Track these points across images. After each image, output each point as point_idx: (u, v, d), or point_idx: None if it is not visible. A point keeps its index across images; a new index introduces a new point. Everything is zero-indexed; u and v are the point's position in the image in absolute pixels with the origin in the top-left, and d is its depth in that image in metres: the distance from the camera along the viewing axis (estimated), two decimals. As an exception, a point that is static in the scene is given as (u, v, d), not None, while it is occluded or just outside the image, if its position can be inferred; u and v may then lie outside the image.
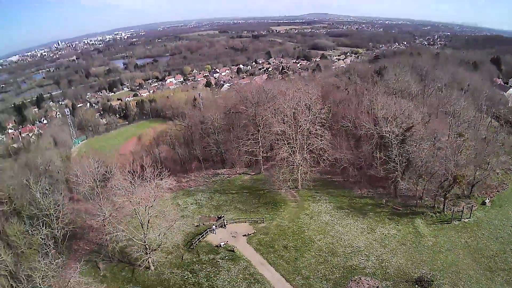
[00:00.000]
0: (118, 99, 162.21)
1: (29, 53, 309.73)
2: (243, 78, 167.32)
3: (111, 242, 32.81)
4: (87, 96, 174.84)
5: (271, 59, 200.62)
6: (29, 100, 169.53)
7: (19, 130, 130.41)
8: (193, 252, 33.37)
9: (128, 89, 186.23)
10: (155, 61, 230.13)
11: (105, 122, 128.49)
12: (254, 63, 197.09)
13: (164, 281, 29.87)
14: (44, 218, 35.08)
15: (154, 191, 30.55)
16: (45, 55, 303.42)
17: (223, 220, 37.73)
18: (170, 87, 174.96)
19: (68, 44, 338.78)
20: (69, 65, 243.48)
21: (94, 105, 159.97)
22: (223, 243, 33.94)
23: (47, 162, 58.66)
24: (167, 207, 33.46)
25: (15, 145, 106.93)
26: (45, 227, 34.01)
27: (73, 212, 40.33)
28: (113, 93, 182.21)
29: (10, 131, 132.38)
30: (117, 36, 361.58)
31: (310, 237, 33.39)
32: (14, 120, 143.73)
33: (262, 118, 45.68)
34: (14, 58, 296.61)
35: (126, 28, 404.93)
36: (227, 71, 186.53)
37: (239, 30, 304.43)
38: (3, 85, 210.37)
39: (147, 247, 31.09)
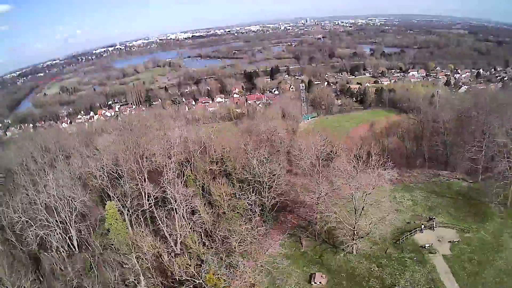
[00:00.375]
0: (358, 83, 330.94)
1: (270, 25, 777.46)
2: (480, 83, 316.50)
3: (320, 221, 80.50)
4: (326, 75, 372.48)
5: (508, 67, 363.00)
6: (262, 70, 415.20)
7: (246, 96, 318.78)
8: (398, 247, 74.60)
9: (369, 75, 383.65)
10: (402, 52, 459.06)
11: (340, 103, 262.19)
12: (493, 69, 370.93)
13: (350, 269, 71.38)
14: (256, 185, 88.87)
15: (375, 179, 70.74)
16: (289, 29, 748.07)
17: (433, 222, 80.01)
18: (412, 80, 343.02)
19: (316, 22, 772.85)
20: (313, 43, 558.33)
21: (332, 84, 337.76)
22: (427, 245, 73.92)
23: (271, 132, 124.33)
24: (383, 198, 72.65)
25: (238, 110, 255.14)
26: (255, 193, 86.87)
27: (288, 184, 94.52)
28: (353, 77, 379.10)
29: (235, 96, 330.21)
30: (370, 21, 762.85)
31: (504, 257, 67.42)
32: (242, 87, 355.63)
33: (489, 127, 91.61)
34: (254, 28, 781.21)
35: (381, 16, 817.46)
36: (467, 73, 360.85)
37: (487, 34, 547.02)
38: (236, 52, 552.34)
39: (355, 233, 73.15)
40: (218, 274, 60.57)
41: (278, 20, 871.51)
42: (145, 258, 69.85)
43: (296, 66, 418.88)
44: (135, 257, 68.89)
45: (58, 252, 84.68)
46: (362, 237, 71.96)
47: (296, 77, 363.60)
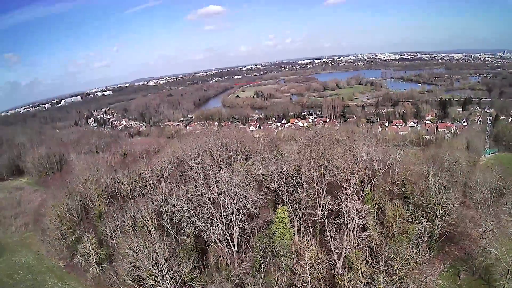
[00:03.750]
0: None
1: (472, 55, 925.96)
2: None
3: (480, 256, 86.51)
4: (511, 112, 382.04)
5: None
6: (456, 99, 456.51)
7: (437, 124, 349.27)
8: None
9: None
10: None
11: None
12: None
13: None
14: (429, 211, 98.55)
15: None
16: (487, 60, 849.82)
17: None
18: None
19: None
20: (506, 77, 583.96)
21: None
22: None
23: (453, 161, 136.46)
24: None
25: (427, 137, 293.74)
26: (427, 220, 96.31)
27: (459, 215, 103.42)
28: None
29: (427, 122, 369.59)
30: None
31: None
32: (435, 114, 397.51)
33: None
34: (457, 56, 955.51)
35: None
36: None
37: None
38: (436, 78, 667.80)
39: (509, 272, 78.37)
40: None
41: (479, 50, 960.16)
42: (317, 268, 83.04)
43: (487, 99, 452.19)
44: (308, 265, 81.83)
45: (222, 247, 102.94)
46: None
47: (485, 110, 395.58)
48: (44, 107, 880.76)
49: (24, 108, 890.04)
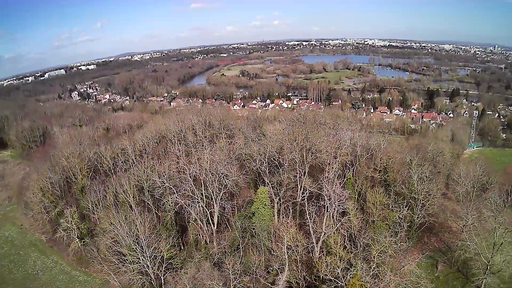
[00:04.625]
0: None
1: (462, 47, 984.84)
2: None
3: (459, 249, 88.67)
4: (498, 107, 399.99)
5: None
6: (444, 90, 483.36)
7: (422, 113, 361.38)
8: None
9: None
10: None
11: (504, 137, 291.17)
12: None
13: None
14: (410, 200, 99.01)
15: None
16: (477, 53, 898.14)
17: None
18: None
19: (503, 51, 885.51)
20: (495, 72, 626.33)
21: (501, 117, 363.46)
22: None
23: (437, 152, 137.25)
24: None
25: (412, 126, 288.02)
26: (407, 209, 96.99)
27: (440, 207, 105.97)
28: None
29: (413, 111, 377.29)
30: None
31: None
32: (422, 103, 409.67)
33: None
34: (447, 47, 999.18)
35: None
36: None
37: None
38: (425, 68, 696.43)
39: (488, 267, 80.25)
40: (362, 281, 70.49)
41: (469, 43, 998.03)
42: (295, 251, 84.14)
43: (475, 92, 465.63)
44: (286, 247, 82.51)
45: (202, 225, 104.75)
46: (493, 273, 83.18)
47: (472, 103, 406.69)
48: (28, 80, 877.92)
49: (8, 81, 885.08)
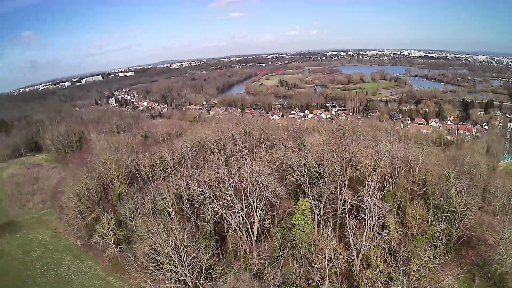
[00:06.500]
0: None
1: (495, 58, 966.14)
2: None
3: (496, 263, 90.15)
4: None
5: None
6: (478, 102, 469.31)
7: (458, 125, 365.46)
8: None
9: None
10: None
11: None
12: None
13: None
14: (448, 214, 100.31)
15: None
16: (510, 64, 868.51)
17: None
18: None
19: None
20: None
21: None
22: None
23: (474, 165, 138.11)
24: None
25: (448, 137, 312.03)
26: (446, 222, 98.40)
27: (477, 220, 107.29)
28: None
29: (449, 122, 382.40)
30: None
31: None
32: (457, 115, 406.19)
33: None
34: (480, 58, 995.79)
35: None
36: None
37: None
38: (460, 78, 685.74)
39: None
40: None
41: (503, 54, 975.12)
42: (336, 263, 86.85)
43: (509, 103, 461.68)
44: (326, 259, 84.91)
45: (242, 235, 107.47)
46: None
47: (506, 115, 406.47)
48: (64, 85, 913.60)
49: (43, 86, 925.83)
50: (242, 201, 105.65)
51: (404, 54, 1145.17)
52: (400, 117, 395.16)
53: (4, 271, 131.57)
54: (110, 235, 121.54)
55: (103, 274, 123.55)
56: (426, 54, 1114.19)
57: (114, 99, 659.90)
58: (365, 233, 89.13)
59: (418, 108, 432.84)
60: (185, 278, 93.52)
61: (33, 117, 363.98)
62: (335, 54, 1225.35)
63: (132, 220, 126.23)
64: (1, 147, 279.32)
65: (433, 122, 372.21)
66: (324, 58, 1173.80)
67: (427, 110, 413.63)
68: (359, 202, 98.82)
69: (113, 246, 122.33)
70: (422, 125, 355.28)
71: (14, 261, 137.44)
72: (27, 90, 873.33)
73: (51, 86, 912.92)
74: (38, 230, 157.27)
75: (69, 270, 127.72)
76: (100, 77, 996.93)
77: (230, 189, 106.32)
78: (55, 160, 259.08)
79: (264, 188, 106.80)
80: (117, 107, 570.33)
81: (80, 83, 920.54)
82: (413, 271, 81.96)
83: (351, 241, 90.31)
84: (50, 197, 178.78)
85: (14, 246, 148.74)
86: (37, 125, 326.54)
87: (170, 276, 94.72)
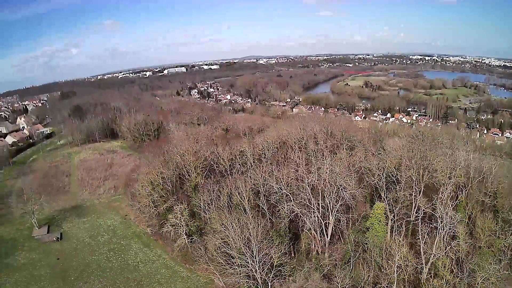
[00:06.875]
0: None
1: None
2: None
3: None
4: None
5: None
6: None
7: None
8: None
9: None
10: None
11: None
12: None
13: None
14: None
15: None
16: None
17: None
18: None
19: None
20: None
21: None
22: None
23: None
24: None
25: None
26: None
27: None
28: None
29: None
30: None
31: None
32: None
33: None
34: None
35: None
36: None
37: None
38: None
39: None
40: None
41: None
42: (405, 270, 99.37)
43: None
44: (396, 265, 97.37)
45: (315, 235, 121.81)
46: None
47: None
48: (145, 74, 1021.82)
49: (123, 74, 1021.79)
50: (318, 201, 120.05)
51: (484, 62, 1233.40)
52: (477, 126, 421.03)
53: (69, 254, 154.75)
54: (183, 225, 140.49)
55: (171, 264, 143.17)
56: (505, 64, 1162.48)
57: (197, 91, 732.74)
58: (435, 242, 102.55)
59: (494, 118, 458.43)
60: (254, 273, 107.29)
61: (110, 104, 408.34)
62: (420, 58, 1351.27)
63: (206, 212, 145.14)
64: (76, 132, 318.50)
65: (508, 133, 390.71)
66: (409, 62, 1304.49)
67: (502, 120, 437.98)
68: (432, 210, 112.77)
69: (185, 236, 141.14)
70: (496, 136, 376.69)
71: (80, 245, 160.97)
72: (105, 77, 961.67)
73: (131, 74, 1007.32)
74: (107, 216, 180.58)
75: (136, 258, 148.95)
76: (183, 69, 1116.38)
77: (308, 188, 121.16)
78: (131, 148, 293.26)
79: (341, 189, 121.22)
80: (199, 99, 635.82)
81: (162, 74, 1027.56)
82: (478, 283, 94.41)
83: (421, 249, 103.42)
84: (123, 183, 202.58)
85: (82, 230, 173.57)
86: (114, 112, 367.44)
87: (239, 270, 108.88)
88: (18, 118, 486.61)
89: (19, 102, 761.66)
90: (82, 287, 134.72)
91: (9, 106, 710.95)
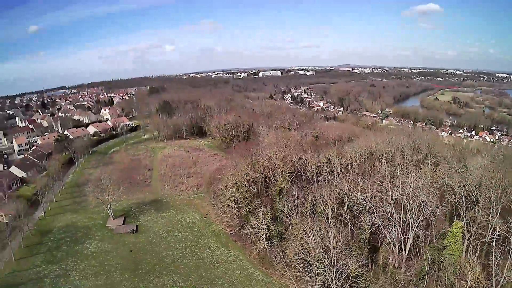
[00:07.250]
0: None
1: None
2: None
3: None
4: None
5: None
6: None
7: None
8: None
9: None
10: None
11: None
12: None
13: None
14: None
15: None
16: None
17: None
18: None
19: None
20: None
21: None
22: None
23: None
24: None
25: None
26: None
27: None
28: None
29: None
30: None
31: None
32: None
33: None
34: None
35: None
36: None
37: None
38: None
39: None
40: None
41: None
42: None
43: None
44: (468, 286, 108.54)
45: (394, 249, 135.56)
46: None
47: None
48: (239, 75, 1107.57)
49: (217, 74, 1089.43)
50: (400, 215, 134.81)
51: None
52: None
53: (142, 247, 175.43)
54: (263, 229, 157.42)
55: (248, 266, 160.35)
56: None
57: (290, 96, 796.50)
58: (506, 265, 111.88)
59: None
60: (330, 283, 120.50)
61: (201, 102, 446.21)
62: (506, 77, 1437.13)
63: (289, 217, 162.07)
64: (162, 128, 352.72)
65: None
66: (496, 79, 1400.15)
67: None
68: (506, 233, 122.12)
69: (264, 240, 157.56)
70: None
71: (156, 239, 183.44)
72: (198, 75, 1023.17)
73: (225, 75, 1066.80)
74: (187, 213, 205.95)
75: (213, 257, 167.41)
76: (278, 73, 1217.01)
77: (391, 201, 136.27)
78: (218, 147, 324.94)
79: (423, 205, 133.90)
80: (292, 104, 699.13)
81: (256, 76, 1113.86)
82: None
83: (493, 271, 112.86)
84: (207, 182, 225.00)
85: (159, 224, 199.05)
86: (203, 110, 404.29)
87: (316, 278, 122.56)
88: (103, 109, 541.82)
89: (105, 94, 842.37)
90: (153, 281, 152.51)
91: (94, 97, 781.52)
